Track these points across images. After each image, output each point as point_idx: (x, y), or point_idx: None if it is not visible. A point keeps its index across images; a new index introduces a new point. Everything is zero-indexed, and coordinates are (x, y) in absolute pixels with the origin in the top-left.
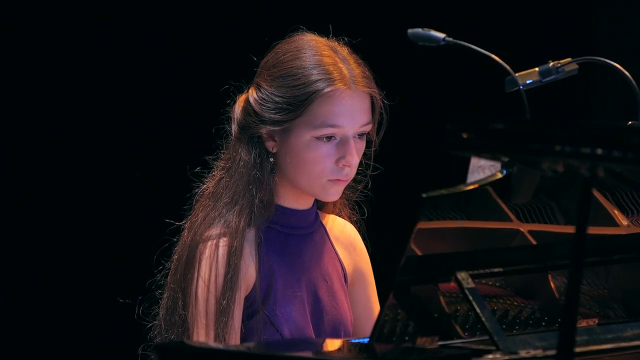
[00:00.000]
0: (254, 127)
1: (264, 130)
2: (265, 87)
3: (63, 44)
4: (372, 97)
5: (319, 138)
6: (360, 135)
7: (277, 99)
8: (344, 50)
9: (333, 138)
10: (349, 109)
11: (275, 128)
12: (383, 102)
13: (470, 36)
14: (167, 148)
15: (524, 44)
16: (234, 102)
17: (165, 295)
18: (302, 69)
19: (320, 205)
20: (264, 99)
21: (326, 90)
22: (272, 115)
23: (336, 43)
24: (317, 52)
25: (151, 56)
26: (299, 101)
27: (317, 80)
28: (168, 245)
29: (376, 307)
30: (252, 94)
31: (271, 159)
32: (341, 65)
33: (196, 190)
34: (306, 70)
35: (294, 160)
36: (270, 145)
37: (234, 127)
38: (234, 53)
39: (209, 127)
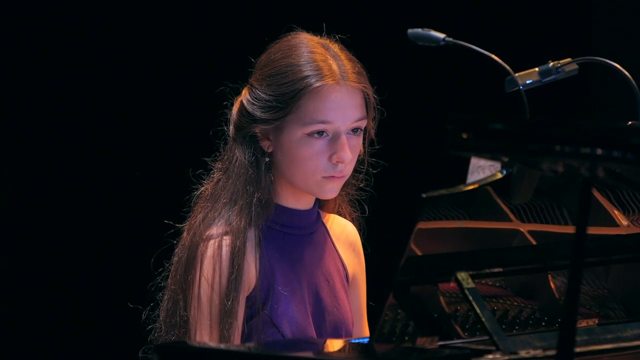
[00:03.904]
0: (248, 126)
1: (257, 129)
2: (257, 86)
3: (62, 45)
4: (365, 94)
5: (310, 135)
6: (355, 131)
7: (266, 97)
8: (336, 47)
9: (325, 134)
10: (339, 105)
11: (267, 126)
12: (375, 97)
13: (470, 36)
14: (167, 150)
15: (524, 44)
16: (232, 104)
17: (165, 297)
18: (291, 67)
19: (321, 205)
20: (255, 98)
21: (315, 85)
22: (262, 114)
23: (328, 41)
24: (308, 50)
25: (152, 57)
26: (287, 98)
27: (305, 77)
28: (168, 248)
29: (365, 313)
30: (245, 95)
31: (267, 159)
32: (331, 62)
33: (195, 193)
34: (295, 67)
35: (288, 158)
36: (265, 144)
37: (230, 128)
38: (233, 54)
39: (209, 128)
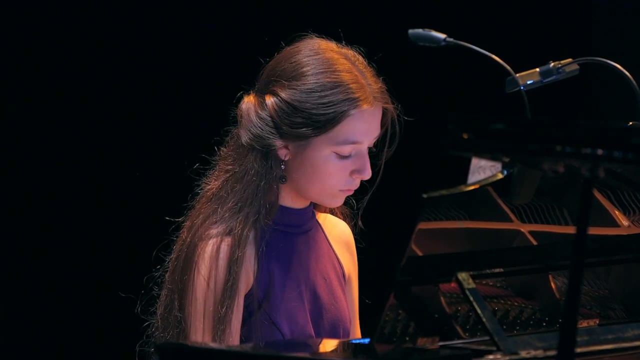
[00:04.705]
0: (271, 138)
1: (281, 142)
2: (286, 98)
3: (64, 43)
4: (385, 109)
5: (338, 153)
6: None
7: (302, 114)
8: (360, 62)
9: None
10: (370, 127)
11: (294, 142)
12: (399, 116)
13: (470, 36)
14: (166, 145)
15: (524, 44)
16: (238, 102)
17: (163, 293)
18: (325, 86)
19: (315, 204)
20: (286, 112)
21: (352, 112)
22: (294, 130)
23: (350, 52)
24: (338, 68)
25: (151, 54)
26: (326, 119)
27: (343, 100)
28: (167, 242)
29: (357, 312)
30: (269, 102)
31: (282, 166)
32: (362, 82)
33: (197, 189)
34: (331, 87)
35: (309, 171)
36: (282, 153)
37: (244, 133)
38: (233, 52)
39: (208, 124)
